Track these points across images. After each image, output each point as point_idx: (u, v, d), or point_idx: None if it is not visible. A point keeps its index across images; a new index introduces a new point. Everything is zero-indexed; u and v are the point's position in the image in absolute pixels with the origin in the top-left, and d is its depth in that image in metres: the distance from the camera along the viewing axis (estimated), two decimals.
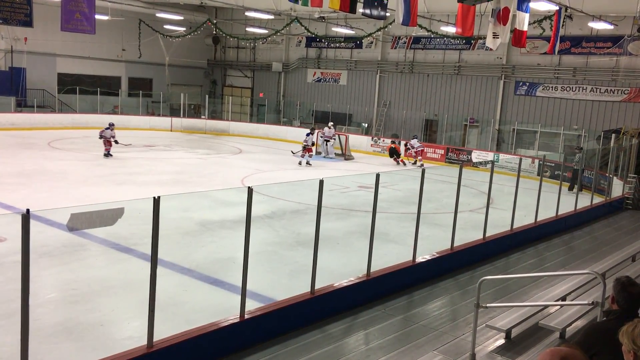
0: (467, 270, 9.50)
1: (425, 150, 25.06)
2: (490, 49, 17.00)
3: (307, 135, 22.57)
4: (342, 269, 9.06)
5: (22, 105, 29.01)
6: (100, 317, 7.07)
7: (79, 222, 4.03)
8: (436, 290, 8.51)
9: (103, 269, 9.02)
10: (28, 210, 3.75)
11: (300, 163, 22.24)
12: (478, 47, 27.21)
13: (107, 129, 20.89)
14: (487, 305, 6.71)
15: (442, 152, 26.30)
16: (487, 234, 10.36)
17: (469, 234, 10.57)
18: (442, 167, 24.20)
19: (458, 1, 14.09)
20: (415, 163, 24.27)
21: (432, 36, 26.78)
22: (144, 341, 5.26)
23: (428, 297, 8.22)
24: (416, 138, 25.06)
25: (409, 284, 8.38)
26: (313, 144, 23.01)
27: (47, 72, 31.08)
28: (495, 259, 10.39)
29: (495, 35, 14.47)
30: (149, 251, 9.44)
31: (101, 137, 20.87)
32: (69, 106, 31.24)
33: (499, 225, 11.22)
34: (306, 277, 7.10)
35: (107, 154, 20.69)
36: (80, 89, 31.32)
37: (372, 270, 7.74)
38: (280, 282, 8.84)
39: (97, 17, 16.36)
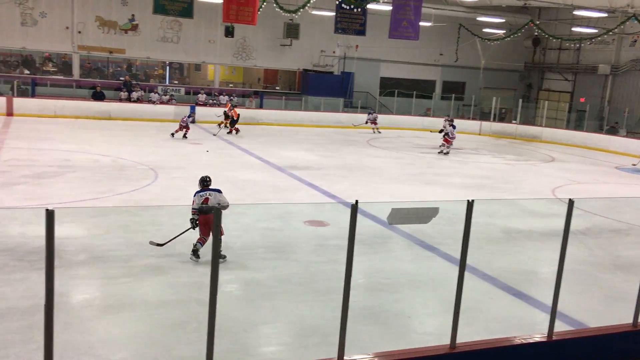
0: None
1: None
2: None
3: None
4: None
5: (348, 106, 32.51)
6: (405, 308, 7.45)
7: (398, 218, 4.30)
8: None
9: (408, 263, 9.48)
10: (357, 202, 4.15)
11: None
12: None
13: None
14: None
15: None
16: None
17: None
18: None
19: None
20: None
21: None
22: (441, 339, 5.32)
23: None
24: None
25: None
26: None
27: (372, 76, 34.14)
28: None
29: None
30: (451, 251, 9.65)
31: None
32: (387, 107, 33.77)
33: None
34: (625, 306, 6.27)
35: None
36: (399, 92, 33.54)
37: None
38: (591, 307, 8.00)
39: (420, 23, 17.24)
